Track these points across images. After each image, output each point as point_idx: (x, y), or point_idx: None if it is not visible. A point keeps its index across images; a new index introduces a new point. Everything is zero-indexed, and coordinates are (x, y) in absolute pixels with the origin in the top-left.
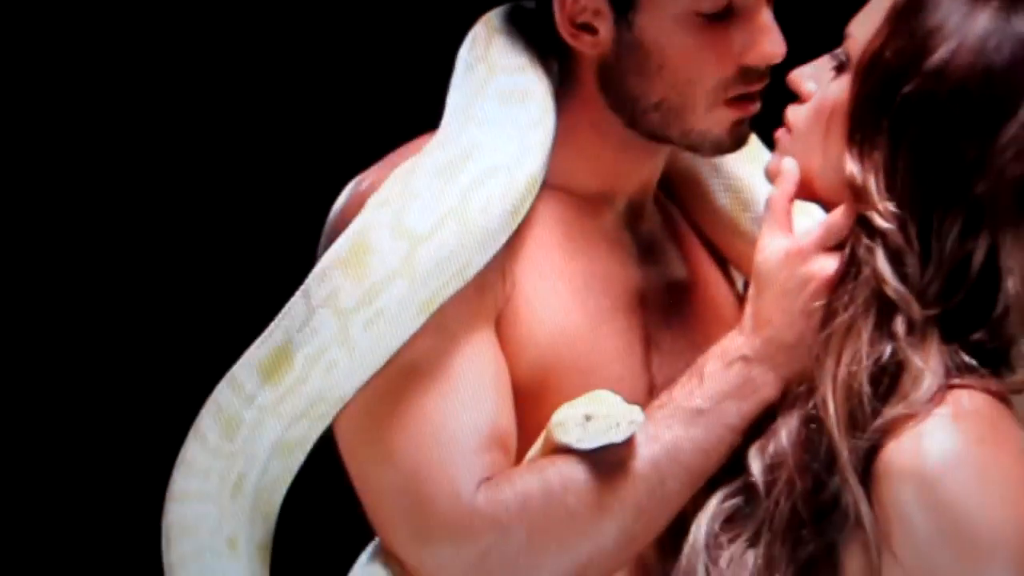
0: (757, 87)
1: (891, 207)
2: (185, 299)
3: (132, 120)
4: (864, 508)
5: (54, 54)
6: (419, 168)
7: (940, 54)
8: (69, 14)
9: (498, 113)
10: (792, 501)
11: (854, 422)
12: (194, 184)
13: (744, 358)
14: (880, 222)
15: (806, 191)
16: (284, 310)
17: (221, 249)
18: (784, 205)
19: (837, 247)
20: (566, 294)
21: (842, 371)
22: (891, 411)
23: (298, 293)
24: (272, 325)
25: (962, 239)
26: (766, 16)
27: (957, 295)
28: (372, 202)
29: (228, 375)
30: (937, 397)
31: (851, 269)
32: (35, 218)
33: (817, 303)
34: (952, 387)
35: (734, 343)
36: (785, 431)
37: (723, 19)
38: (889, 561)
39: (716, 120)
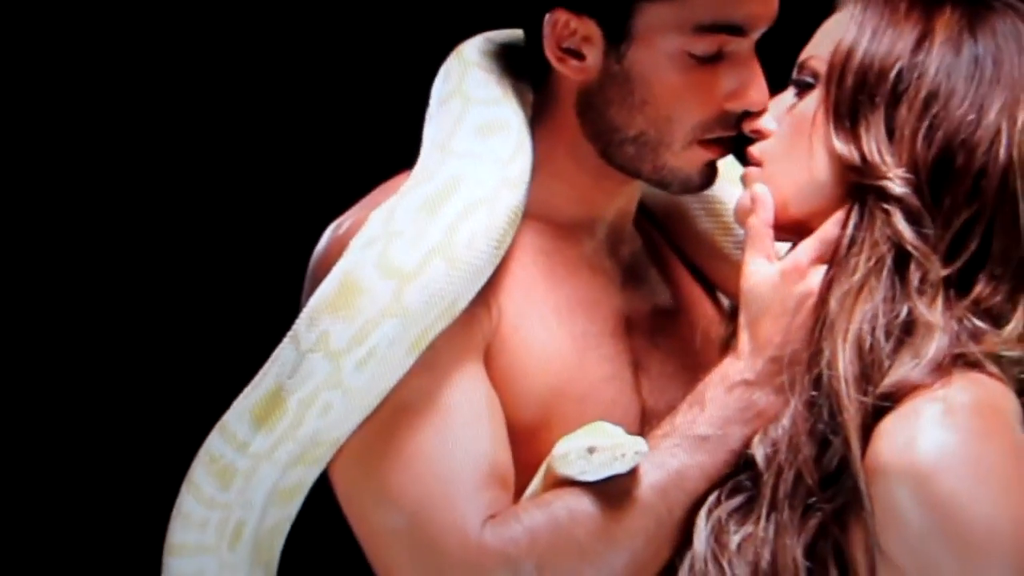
0: (732, 133)
1: (902, 172)
2: (171, 347)
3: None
4: (860, 476)
5: (62, 77)
6: (401, 205)
7: (925, 25)
8: (73, 37)
9: (476, 146)
10: (797, 468)
11: (865, 376)
12: (181, 228)
13: (745, 382)
14: (895, 188)
15: (782, 218)
16: (273, 356)
17: (206, 293)
18: (764, 231)
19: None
20: (552, 322)
21: (852, 331)
22: (903, 367)
23: (286, 339)
24: (261, 372)
25: (967, 199)
26: (753, 64)
27: (964, 252)
28: (356, 243)
29: (219, 424)
30: (945, 366)
31: (857, 234)
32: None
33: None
34: (956, 361)
35: (734, 367)
36: (787, 412)
37: (712, 62)
38: (885, 557)
39: (689, 159)
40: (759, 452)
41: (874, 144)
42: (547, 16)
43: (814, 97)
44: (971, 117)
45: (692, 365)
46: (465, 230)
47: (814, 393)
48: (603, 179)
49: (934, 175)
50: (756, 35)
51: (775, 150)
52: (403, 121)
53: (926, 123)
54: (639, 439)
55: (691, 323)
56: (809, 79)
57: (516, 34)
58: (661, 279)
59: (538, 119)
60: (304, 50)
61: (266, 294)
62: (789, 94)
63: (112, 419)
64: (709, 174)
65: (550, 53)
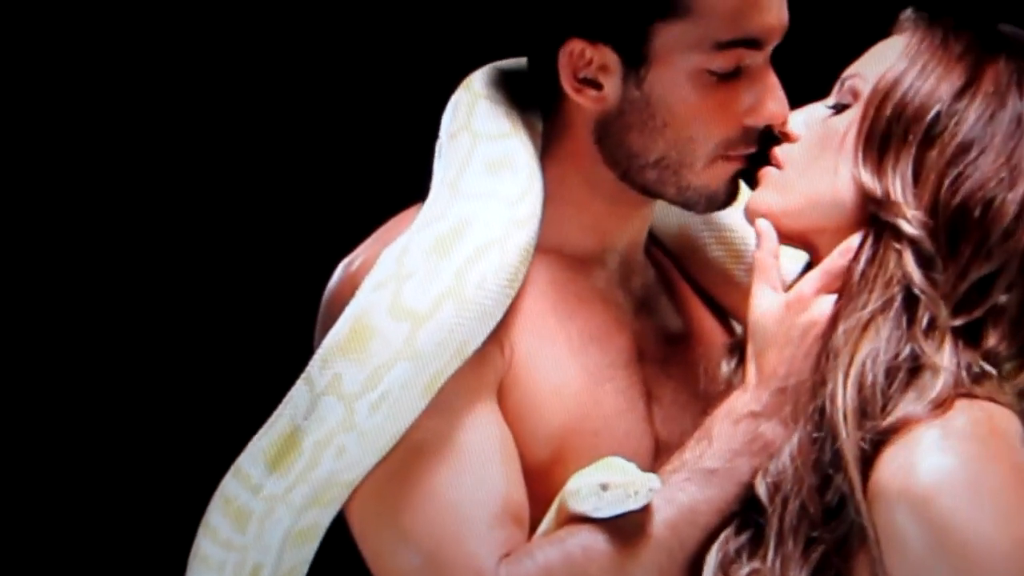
0: (754, 149)
1: (920, 215)
2: (184, 387)
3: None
4: (861, 505)
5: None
6: (412, 246)
7: (970, 73)
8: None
9: (486, 185)
10: (800, 500)
11: (864, 412)
12: (196, 260)
13: (752, 414)
14: (910, 229)
15: (790, 227)
16: (287, 398)
17: (220, 327)
18: (770, 261)
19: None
20: (565, 356)
21: (856, 366)
22: (905, 406)
23: (300, 380)
24: (275, 414)
25: (987, 254)
26: (771, 77)
27: (980, 306)
28: (367, 284)
29: (233, 467)
30: (947, 403)
31: (869, 270)
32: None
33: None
34: (962, 395)
35: (740, 400)
36: (787, 446)
37: (731, 78)
38: None
39: (712, 175)
40: (761, 487)
41: (898, 181)
42: (562, 47)
43: (849, 115)
44: (1003, 175)
45: (705, 395)
46: (476, 273)
47: (816, 426)
48: (617, 205)
49: (953, 223)
50: (770, 48)
51: (799, 157)
52: (414, 151)
53: (955, 171)
54: (652, 476)
55: (704, 353)
56: (848, 99)
57: (525, 62)
58: (673, 308)
59: (550, 148)
60: (318, 83)
61: (278, 328)
62: (823, 107)
63: (129, 460)
64: (733, 189)
65: (567, 85)
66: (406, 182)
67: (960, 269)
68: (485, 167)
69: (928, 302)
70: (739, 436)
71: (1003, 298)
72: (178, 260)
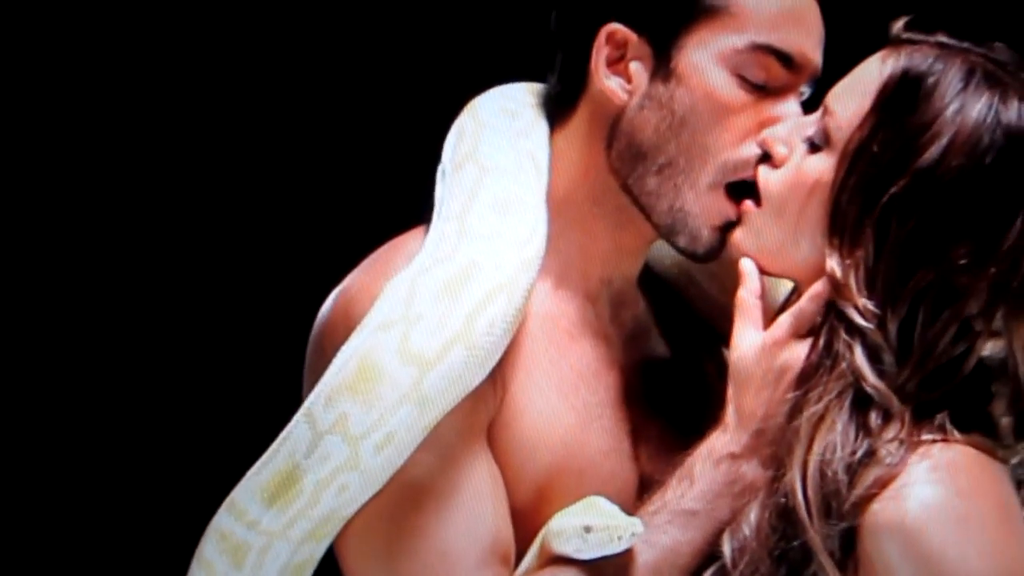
0: (752, 176)
1: (871, 305)
2: (176, 404)
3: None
4: None
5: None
6: (421, 287)
7: (931, 153)
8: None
9: (494, 224)
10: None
11: (827, 509)
12: (188, 276)
13: (732, 455)
14: (859, 319)
15: (773, 266)
16: (284, 434)
17: (212, 347)
18: (752, 301)
19: (809, 333)
20: (555, 396)
21: (813, 460)
22: (862, 489)
23: (300, 417)
24: (272, 450)
25: (954, 338)
26: (795, 103)
27: (941, 387)
28: (373, 322)
29: (227, 502)
30: (909, 455)
31: (824, 359)
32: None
33: (791, 393)
34: (930, 441)
35: (720, 441)
36: (753, 514)
37: (757, 91)
38: None
39: (709, 204)
40: (727, 546)
41: (853, 266)
42: (602, 30)
43: (820, 165)
44: (967, 260)
45: (690, 430)
46: (485, 318)
47: (778, 512)
48: (619, 228)
49: (908, 315)
50: (802, 81)
51: (775, 198)
52: (410, 169)
53: (913, 258)
54: (635, 520)
55: (690, 387)
56: (819, 141)
57: (531, 88)
58: (662, 342)
59: (559, 160)
60: (317, 101)
61: (271, 343)
62: (804, 134)
63: (125, 470)
64: (718, 241)
65: (599, 69)
66: (402, 200)
67: (916, 361)
68: (493, 204)
69: (880, 400)
70: (720, 478)
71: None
72: (176, 274)
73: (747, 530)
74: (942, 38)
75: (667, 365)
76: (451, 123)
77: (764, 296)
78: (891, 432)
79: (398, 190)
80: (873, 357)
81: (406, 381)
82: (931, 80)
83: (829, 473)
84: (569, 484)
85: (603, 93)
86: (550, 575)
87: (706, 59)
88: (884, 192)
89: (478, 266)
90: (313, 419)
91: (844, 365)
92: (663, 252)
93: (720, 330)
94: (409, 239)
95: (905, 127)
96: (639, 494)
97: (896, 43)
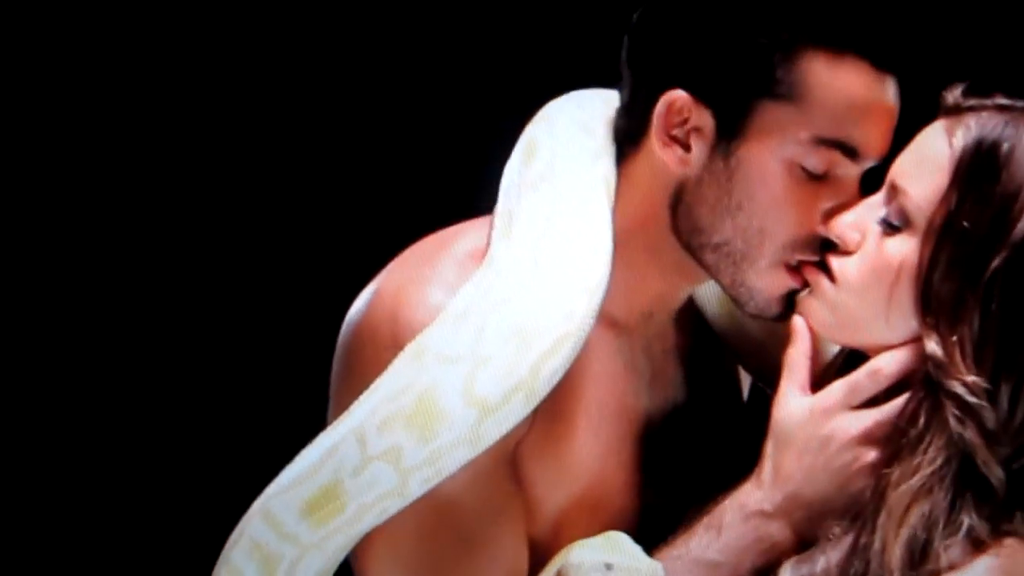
0: (816, 257)
1: (982, 382)
2: (185, 403)
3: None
4: None
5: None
6: (491, 326)
7: None
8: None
9: (568, 267)
10: None
11: (912, 565)
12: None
13: (763, 512)
14: (970, 397)
15: (843, 340)
16: (329, 447)
17: (226, 342)
18: (802, 362)
19: (863, 405)
20: (580, 430)
21: (907, 528)
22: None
23: (348, 433)
24: (314, 463)
25: None
26: (856, 196)
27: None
28: (435, 349)
29: (261, 510)
30: (983, 546)
31: (919, 434)
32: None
33: (858, 461)
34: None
35: (753, 497)
36: (823, 560)
37: (818, 181)
38: None
39: (771, 281)
40: None
41: (958, 343)
42: (665, 95)
43: (902, 247)
44: None
45: (703, 468)
46: (549, 367)
47: (861, 563)
48: (673, 275)
49: (1015, 388)
50: (866, 165)
51: (854, 281)
52: (435, 167)
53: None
54: (657, 566)
55: (705, 427)
56: (898, 221)
57: (606, 98)
58: (688, 374)
59: (621, 204)
60: (337, 95)
61: (291, 338)
62: (875, 218)
63: (131, 469)
64: (787, 304)
65: (658, 136)
66: (424, 196)
67: (1016, 430)
68: (569, 241)
69: (987, 470)
70: (748, 533)
71: None
72: (185, 272)
73: (820, 567)
74: (1001, 100)
75: (688, 403)
76: (463, 118)
77: (815, 357)
78: (983, 517)
79: (409, 188)
80: (987, 433)
81: (466, 424)
82: (1007, 146)
83: (923, 540)
84: (579, 518)
85: (660, 161)
86: None
87: (765, 149)
88: (985, 267)
89: (549, 312)
90: (364, 441)
91: (946, 440)
92: (712, 293)
93: (760, 380)
94: (456, 237)
95: (992, 198)
96: (639, 523)
97: (954, 112)
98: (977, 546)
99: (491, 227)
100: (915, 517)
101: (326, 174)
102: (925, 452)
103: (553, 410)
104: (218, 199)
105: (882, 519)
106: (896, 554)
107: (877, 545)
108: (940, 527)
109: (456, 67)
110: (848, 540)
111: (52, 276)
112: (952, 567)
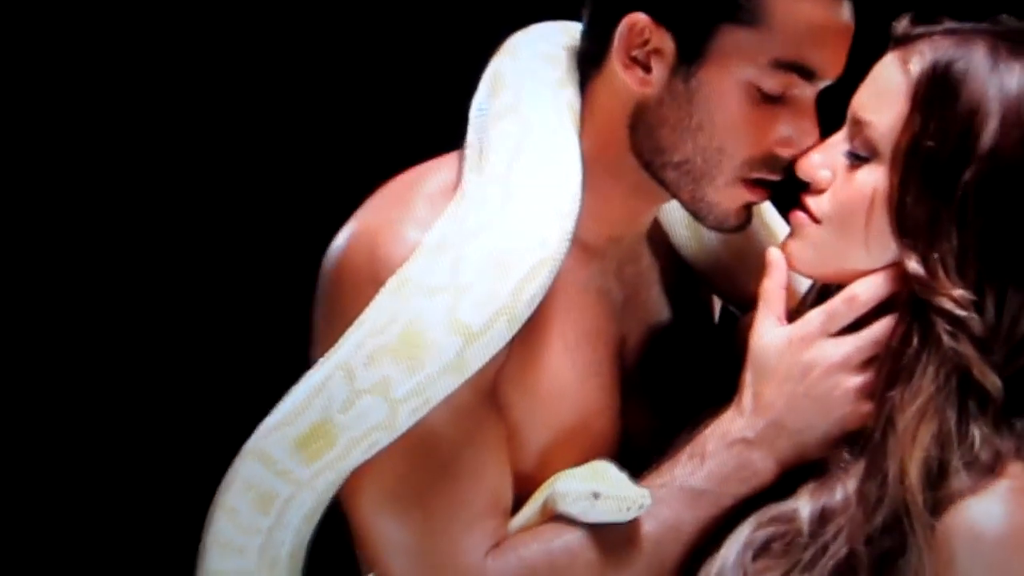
0: (777, 177)
1: (967, 294)
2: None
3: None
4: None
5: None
6: (469, 255)
7: (989, 134)
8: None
9: (541, 192)
10: (850, 548)
11: (931, 485)
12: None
13: (745, 440)
14: (959, 311)
15: (831, 276)
16: (318, 384)
17: (211, 321)
18: (779, 294)
19: (843, 331)
20: (558, 354)
21: (918, 450)
22: (961, 480)
23: (336, 369)
24: (302, 400)
25: None
26: (813, 115)
27: (1015, 364)
28: (415, 282)
29: (253, 450)
30: (1000, 469)
31: (913, 356)
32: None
33: (839, 387)
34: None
35: (735, 425)
36: (841, 489)
37: (775, 102)
38: None
39: (728, 195)
40: (805, 510)
41: (941, 260)
42: (626, 18)
43: (872, 175)
44: None
45: (680, 391)
46: (529, 291)
47: (877, 490)
48: (636, 197)
49: (1000, 295)
50: (821, 85)
51: (833, 216)
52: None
53: (1000, 236)
54: (644, 492)
55: (682, 346)
56: (864, 152)
57: (568, 29)
58: (660, 297)
59: (584, 128)
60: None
61: (270, 314)
62: (841, 151)
63: (126, 456)
64: (745, 216)
65: (618, 58)
66: (398, 132)
67: (1005, 336)
68: (539, 168)
69: (984, 381)
70: (730, 461)
71: None
72: (171, 251)
73: (837, 497)
74: (949, 24)
75: (662, 326)
76: (434, 54)
77: (789, 288)
78: (987, 425)
79: (382, 124)
80: (980, 343)
81: (450, 351)
82: (960, 65)
83: (936, 460)
84: (560, 441)
85: (621, 82)
86: (554, 533)
87: (724, 71)
88: (956, 183)
89: (526, 238)
90: (352, 376)
91: (943, 358)
92: (678, 220)
93: (729, 302)
94: (427, 174)
95: (955, 116)
96: (618, 451)
97: (905, 41)
98: (995, 469)
99: (461, 160)
100: (926, 437)
101: (296, 114)
102: (924, 372)
103: (530, 336)
104: (189, 138)
105: (892, 444)
106: (913, 476)
107: (893, 470)
108: (954, 444)
109: (423, 6)
110: (860, 467)
111: (25, 247)
112: (972, 490)
